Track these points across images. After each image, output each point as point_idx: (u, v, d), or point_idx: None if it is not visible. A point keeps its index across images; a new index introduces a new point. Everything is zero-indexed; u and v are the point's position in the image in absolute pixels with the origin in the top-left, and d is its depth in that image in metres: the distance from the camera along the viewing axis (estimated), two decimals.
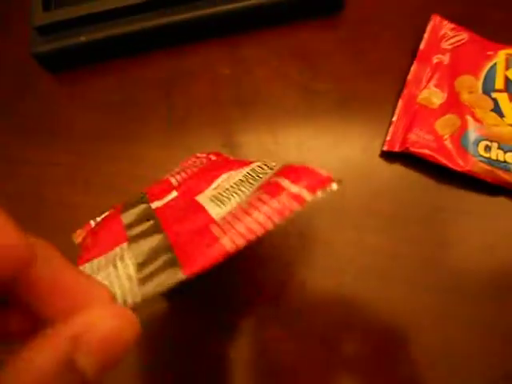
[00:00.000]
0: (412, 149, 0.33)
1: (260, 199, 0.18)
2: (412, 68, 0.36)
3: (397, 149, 0.34)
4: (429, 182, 0.34)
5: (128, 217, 0.24)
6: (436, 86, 0.35)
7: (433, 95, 0.35)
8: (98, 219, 0.27)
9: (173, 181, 0.27)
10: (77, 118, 0.39)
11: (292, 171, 0.19)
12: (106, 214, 0.26)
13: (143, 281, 0.17)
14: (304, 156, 0.36)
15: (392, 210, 0.34)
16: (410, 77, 0.36)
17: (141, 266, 0.18)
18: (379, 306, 0.31)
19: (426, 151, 0.33)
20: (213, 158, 0.31)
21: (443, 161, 0.32)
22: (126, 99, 0.39)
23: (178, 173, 0.29)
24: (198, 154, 0.33)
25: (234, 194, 0.22)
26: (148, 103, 0.38)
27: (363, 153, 0.36)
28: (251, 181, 0.23)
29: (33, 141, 0.38)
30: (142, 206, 0.24)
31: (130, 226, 0.22)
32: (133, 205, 0.25)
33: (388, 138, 0.35)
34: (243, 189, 0.22)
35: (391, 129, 0.35)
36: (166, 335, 0.31)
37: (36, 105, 0.40)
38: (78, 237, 0.26)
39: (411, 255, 0.32)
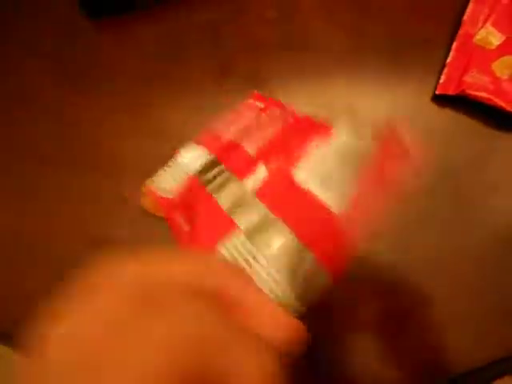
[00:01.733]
0: (468, 91, 0.32)
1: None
2: (468, 7, 0.35)
3: (451, 92, 0.33)
4: (482, 126, 0.33)
5: (223, 198, 0.24)
6: (494, 25, 0.34)
7: (490, 35, 0.34)
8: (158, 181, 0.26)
9: (249, 151, 0.27)
10: (122, 64, 0.38)
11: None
12: (182, 182, 0.26)
13: (295, 288, 0.18)
14: (354, 100, 0.35)
15: (442, 154, 0.33)
16: (465, 17, 0.35)
17: (287, 271, 0.19)
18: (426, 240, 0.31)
19: (483, 94, 0.32)
20: (275, 110, 0.30)
21: (500, 103, 0.31)
22: (171, 46, 0.38)
23: (246, 134, 0.28)
24: (252, 101, 0.32)
25: (335, 174, 0.22)
26: (193, 49, 0.37)
27: (415, 96, 0.35)
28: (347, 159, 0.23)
29: (77, 87, 0.37)
30: (233, 185, 0.24)
31: (232, 211, 0.23)
32: (214, 176, 0.25)
33: (441, 80, 0.34)
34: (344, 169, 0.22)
35: (445, 71, 0.34)
36: None
37: (80, 52, 0.38)
38: (146, 202, 0.26)
39: (461, 199, 0.32)
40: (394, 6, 0.37)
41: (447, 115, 0.34)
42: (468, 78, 0.33)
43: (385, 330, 0.29)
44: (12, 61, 0.37)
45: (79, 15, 0.38)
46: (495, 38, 0.34)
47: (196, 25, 0.37)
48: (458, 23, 0.35)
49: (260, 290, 0.16)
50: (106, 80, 0.37)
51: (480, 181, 0.32)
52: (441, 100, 0.34)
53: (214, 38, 0.37)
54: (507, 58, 0.33)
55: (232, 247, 0.21)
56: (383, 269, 0.31)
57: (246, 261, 0.21)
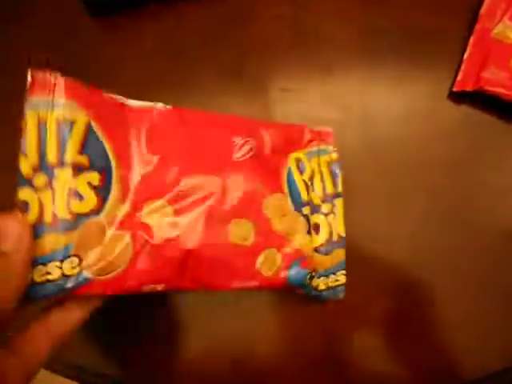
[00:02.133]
0: (486, 87, 0.32)
1: None
2: (485, 1, 0.34)
3: (469, 88, 0.33)
4: (499, 122, 0.33)
5: None
6: (511, 19, 0.33)
7: (508, 30, 0.33)
8: None
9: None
10: (123, 62, 0.36)
11: None
12: None
13: None
14: (366, 99, 0.34)
15: (459, 153, 0.33)
16: (482, 11, 0.34)
17: None
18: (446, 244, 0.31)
19: (501, 90, 0.32)
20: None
21: None
22: (175, 44, 0.36)
23: None
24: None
25: None
26: (199, 48, 0.35)
27: (430, 94, 0.34)
28: None
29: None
30: None
31: None
32: None
33: (459, 77, 0.33)
34: None
35: (462, 67, 0.33)
36: None
37: (80, 48, 0.36)
38: None
39: (479, 199, 0.32)
40: (407, 1, 0.36)
41: (463, 112, 0.34)
42: (486, 74, 0.32)
43: (389, 330, 0.30)
44: (10, 55, 0.36)
45: (80, 12, 0.36)
46: None
47: (202, 23, 0.35)
48: (474, 17, 0.35)
49: None
50: (107, 78, 0.34)
51: (497, 179, 0.32)
52: (457, 96, 0.34)
53: (221, 36, 0.35)
54: None
55: None
56: (386, 269, 0.31)
57: None
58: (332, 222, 0.29)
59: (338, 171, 0.30)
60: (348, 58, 0.35)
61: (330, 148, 0.30)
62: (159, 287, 0.23)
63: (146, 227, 0.23)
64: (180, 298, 0.31)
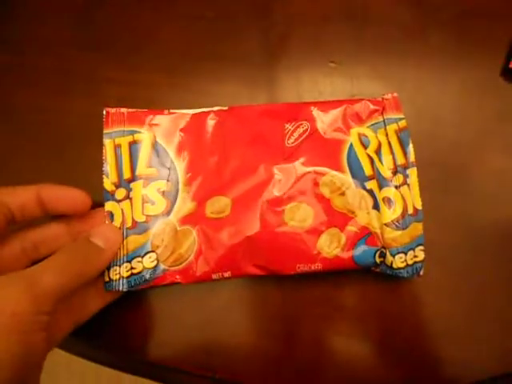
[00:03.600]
0: None
1: None
2: None
3: None
4: None
5: None
6: None
7: None
8: None
9: None
10: (161, 32, 0.33)
11: None
12: None
13: None
14: (421, 77, 0.32)
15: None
16: None
17: None
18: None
19: None
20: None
21: None
22: (217, 13, 0.34)
23: None
24: None
25: None
26: (243, 18, 0.33)
27: (483, 72, 0.32)
28: None
29: (112, 57, 0.33)
30: None
31: None
32: None
33: None
34: None
35: None
36: None
37: (114, 16, 0.34)
38: None
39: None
40: None
41: None
42: None
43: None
44: (34, 21, 0.34)
45: None
46: None
47: None
48: None
49: None
50: (140, 48, 0.33)
51: None
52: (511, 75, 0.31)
53: (268, 7, 0.34)
54: None
55: None
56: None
57: None
58: (406, 194, 0.27)
59: (407, 139, 0.28)
60: (398, 35, 0.32)
61: (398, 115, 0.28)
62: (226, 274, 0.26)
63: (209, 220, 0.26)
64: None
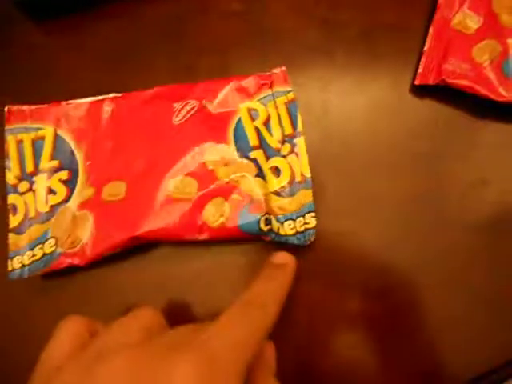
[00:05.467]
0: (448, 80, 0.29)
1: None
2: None
3: (431, 81, 0.30)
4: (466, 117, 0.30)
5: None
6: (470, 8, 0.30)
7: (468, 19, 0.30)
8: None
9: None
10: (72, 69, 0.33)
11: None
12: None
13: None
14: (327, 96, 0.31)
15: (427, 148, 0.30)
16: (441, 0, 0.31)
17: None
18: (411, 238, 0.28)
19: (464, 82, 0.29)
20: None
21: (483, 91, 0.29)
22: (128, 45, 0.33)
23: None
24: None
25: None
26: (150, 49, 0.33)
27: (392, 88, 0.31)
28: None
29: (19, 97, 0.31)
30: None
31: None
32: None
33: (420, 70, 0.30)
34: None
35: (423, 59, 0.30)
36: None
37: (20, 57, 0.33)
38: None
39: (448, 193, 0.29)
40: None
41: (427, 106, 0.30)
42: (448, 66, 0.29)
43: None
44: None
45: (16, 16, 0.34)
46: (473, 22, 0.30)
47: (157, 21, 0.34)
48: (433, 7, 0.31)
49: None
50: (54, 88, 0.32)
51: (465, 173, 0.29)
52: (420, 90, 0.31)
53: (175, 36, 0.33)
54: (486, 43, 0.29)
55: None
56: (361, 271, 0.28)
57: None
58: (293, 163, 0.27)
59: (296, 110, 0.28)
60: (307, 54, 0.32)
61: (286, 88, 0.28)
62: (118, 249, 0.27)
63: (105, 203, 0.27)
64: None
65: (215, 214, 0.26)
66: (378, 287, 0.28)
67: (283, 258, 0.23)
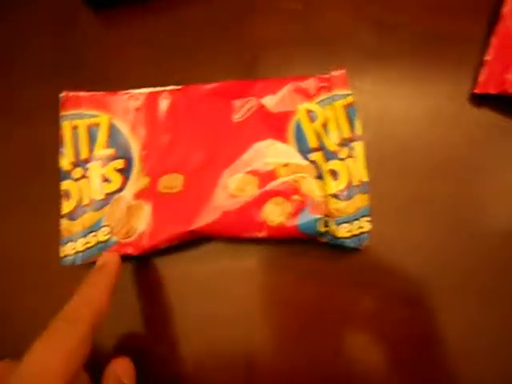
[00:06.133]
0: (510, 90, 0.29)
1: None
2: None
3: (492, 90, 0.29)
4: None
5: None
6: None
7: None
8: None
9: None
10: (122, 59, 0.33)
11: None
12: None
13: None
14: (383, 101, 0.31)
15: (482, 157, 0.30)
16: (505, 8, 0.30)
17: None
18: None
19: None
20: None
21: None
22: (182, 40, 0.33)
23: None
24: None
25: None
26: (207, 46, 0.33)
27: (450, 95, 0.31)
28: None
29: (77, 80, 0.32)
30: None
31: None
32: None
33: (481, 78, 0.30)
34: None
35: (485, 69, 0.30)
36: None
37: (81, 44, 0.33)
38: None
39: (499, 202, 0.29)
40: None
41: (485, 116, 0.30)
42: (510, 77, 0.29)
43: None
44: (10, 48, 0.34)
45: (82, 5, 0.34)
46: None
47: (215, 17, 0.33)
48: (495, 16, 0.30)
49: None
50: (113, 78, 0.32)
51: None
52: (478, 100, 0.30)
53: (235, 32, 0.33)
54: None
55: None
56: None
57: None
58: (351, 167, 0.27)
59: (354, 114, 0.28)
60: (362, 59, 0.32)
61: (345, 91, 0.29)
62: (175, 242, 0.27)
63: (162, 195, 0.27)
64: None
65: (275, 213, 0.26)
66: (417, 293, 0.28)
67: (103, 258, 0.26)
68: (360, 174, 0.28)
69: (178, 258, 0.29)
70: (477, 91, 0.30)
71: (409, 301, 0.28)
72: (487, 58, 0.30)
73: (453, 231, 0.28)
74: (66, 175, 0.28)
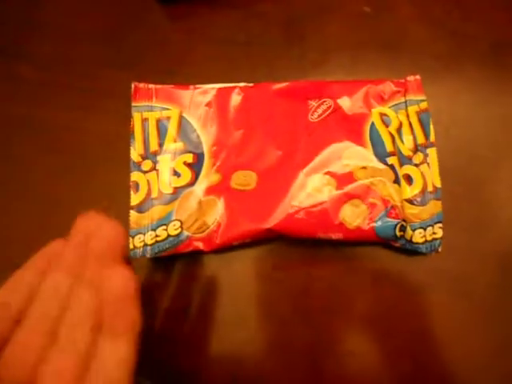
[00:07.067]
0: None
1: None
2: None
3: None
4: None
5: None
6: None
7: None
8: None
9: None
10: (191, 55, 0.33)
11: None
12: None
13: None
14: (456, 107, 0.31)
15: None
16: None
17: None
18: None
19: None
20: None
21: None
22: (250, 38, 0.33)
23: None
24: None
25: None
26: (276, 44, 0.33)
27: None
28: None
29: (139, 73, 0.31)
30: None
31: None
32: None
33: None
34: None
35: None
36: None
37: (146, 38, 0.33)
38: None
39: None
40: (495, 7, 0.33)
41: None
42: None
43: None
44: (74, 43, 0.33)
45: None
46: None
47: (280, 17, 0.33)
48: None
49: None
50: (174, 70, 0.32)
51: None
52: None
53: (301, 33, 0.33)
54: None
55: None
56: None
57: None
58: (426, 172, 0.27)
59: (428, 120, 0.28)
60: (433, 64, 0.32)
61: (419, 97, 0.29)
62: (247, 240, 0.27)
63: (234, 192, 0.27)
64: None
65: (352, 215, 0.26)
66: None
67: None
68: (434, 180, 0.27)
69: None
70: None
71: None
72: None
73: None
74: (136, 167, 0.27)
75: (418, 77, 0.29)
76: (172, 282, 0.28)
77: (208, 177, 0.27)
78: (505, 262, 0.28)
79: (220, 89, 0.29)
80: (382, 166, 0.27)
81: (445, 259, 0.27)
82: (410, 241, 0.26)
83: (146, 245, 0.26)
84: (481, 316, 0.27)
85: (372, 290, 0.27)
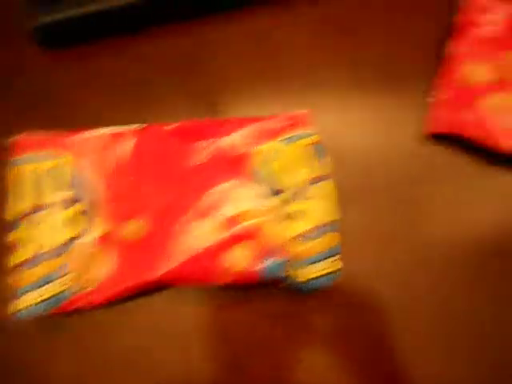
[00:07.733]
0: (455, 130, 0.30)
1: None
2: (451, 42, 0.32)
3: (439, 130, 0.31)
4: (476, 167, 0.31)
5: None
6: (480, 60, 0.31)
7: (476, 70, 0.31)
8: None
9: None
10: (80, 100, 0.33)
11: None
12: None
13: None
14: (349, 141, 0.32)
15: (431, 196, 0.31)
16: (448, 50, 0.32)
17: None
18: None
19: (471, 132, 0.30)
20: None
21: (488, 142, 0.29)
22: (139, 79, 0.33)
23: None
24: None
25: None
26: (166, 84, 0.33)
27: (400, 135, 0.32)
28: None
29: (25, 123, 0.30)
30: None
31: None
32: None
33: (429, 118, 0.31)
34: None
35: (432, 109, 0.31)
36: None
37: (32, 84, 0.33)
38: None
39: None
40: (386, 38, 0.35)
41: (438, 155, 0.32)
42: (455, 116, 0.30)
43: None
44: None
45: (30, 45, 0.34)
46: (480, 74, 0.31)
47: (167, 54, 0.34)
48: (441, 57, 0.32)
49: None
50: (64, 116, 0.33)
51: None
52: (428, 138, 0.32)
53: (189, 67, 0.34)
54: (499, 95, 0.30)
55: None
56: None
57: None
58: (319, 206, 0.27)
59: (321, 153, 0.28)
60: (325, 96, 0.33)
61: (309, 131, 0.29)
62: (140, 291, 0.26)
63: (124, 241, 0.26)
64: None
65: (239, 258, 0.26)
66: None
67: None
68: (329, 213, 0.27)
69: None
70: (425, 132, 0.31)
71: None
72: (434, 98, 0.31)
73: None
74: (20, 223, 0.26)
75: (306, 110, 0.29)
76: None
77: (99, 227, 0.27)
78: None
79: (112, 134, 0.28)
80: (268, 204, 0.27)
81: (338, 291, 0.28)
82: (298, 279, 0.26)
83: (31, 304, 0.25)
84: None
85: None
